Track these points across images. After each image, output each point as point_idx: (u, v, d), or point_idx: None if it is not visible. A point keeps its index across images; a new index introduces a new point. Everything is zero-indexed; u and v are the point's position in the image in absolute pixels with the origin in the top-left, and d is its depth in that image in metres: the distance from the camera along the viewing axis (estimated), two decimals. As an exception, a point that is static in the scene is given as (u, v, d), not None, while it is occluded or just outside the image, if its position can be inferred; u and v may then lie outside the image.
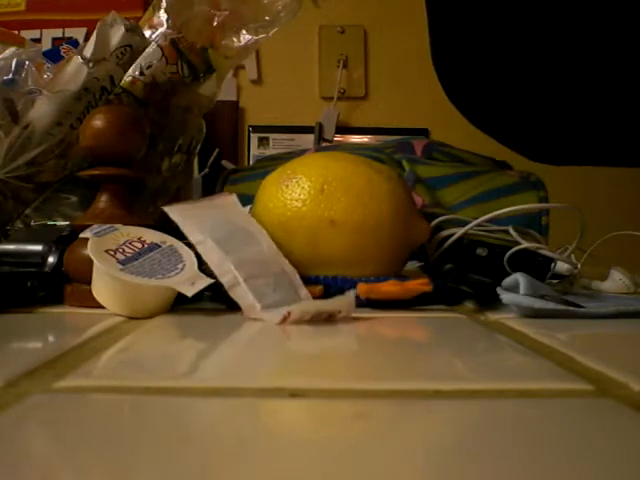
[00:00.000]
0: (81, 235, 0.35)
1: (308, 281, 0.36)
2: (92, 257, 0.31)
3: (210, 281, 0.32)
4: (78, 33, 1.17)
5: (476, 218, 0.44)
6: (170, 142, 0.53)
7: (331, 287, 0.36)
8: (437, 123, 1.24)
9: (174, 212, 0.36)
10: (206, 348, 0.26)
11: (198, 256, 0.34)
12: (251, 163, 1.23)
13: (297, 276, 0.35)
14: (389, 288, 0.34)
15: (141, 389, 0.19)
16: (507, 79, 0.44)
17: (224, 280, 0.32)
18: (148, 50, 0.48)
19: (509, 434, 0.15)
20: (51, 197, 0.49)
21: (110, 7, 0.56)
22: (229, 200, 0.40)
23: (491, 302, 0.35)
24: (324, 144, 1.16)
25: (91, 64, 0.46)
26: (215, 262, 0.33)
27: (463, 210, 0.52)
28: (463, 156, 0.61)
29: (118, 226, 0.35)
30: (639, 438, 0.15)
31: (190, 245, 0.35)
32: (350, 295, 0.31)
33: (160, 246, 0.34)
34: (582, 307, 0.33)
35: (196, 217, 0.36)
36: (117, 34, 0.48)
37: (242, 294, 0.32)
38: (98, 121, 0.37)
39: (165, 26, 0.50)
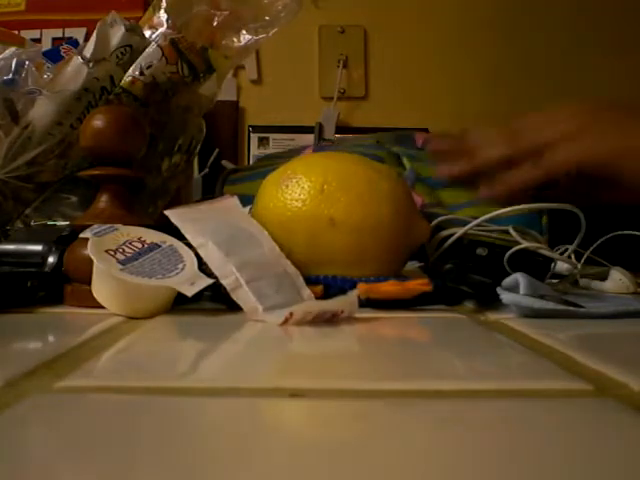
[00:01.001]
0: (81, 235, 0.35)
1: (308, 281, 0.36)
2: (92, 257, 0.31)
3: (210, 281, 0.32)
4: (78, 33, 1.17)
5: (476, 218, 0.44)
6: (170, 142, 0.53)
7: (331, 287, 0.36)
8: (437, 123, 1.24)
9: (175, 216, 0.36)
10: (206, 348, 0.26)
11: (198, 256, 0.34)
12: (251, 163, 1.23)
13: (300, 277, 0.35)
14: (389, 288, 0.34)
15: (141, 389, 0.19)
16: None
17: (226, 283, 0.32)
18: (148, 50, 0.48)
19: (509, 434, 0.15)
20: (51, 197, 0.49)
21: (110, 7, 0.56)
22: (230, 203, 0.40)
23: (491, 302, 0.35)
24: (324, 144, 1.15)
25: (91, 64, 0.46)
26: (216, 265, 0.33)
27: (463, 210, 0.52)
28: None
29: (118, 226, 0.35)
30: (639, 438, 0.15)
31: (190, 245, 0.35)
32: (352, 295, 0.31)
33: (160, 246, 0.34)
34: (582, 307, 0.33)
35: (197, 220, 0.36)
36: (117, 34, 0.48)
37: (244, 296, 0.32)
38: (98, 121, 0.37)
39: (165, 26, 0.50)
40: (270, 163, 0.57)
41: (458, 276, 0.38)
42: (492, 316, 0.33)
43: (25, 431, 0.15)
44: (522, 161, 0.50)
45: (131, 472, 0.13)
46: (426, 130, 1.24)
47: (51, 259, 0.37)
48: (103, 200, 0.38)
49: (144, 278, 0.31)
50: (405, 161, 0.56)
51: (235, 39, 0.52)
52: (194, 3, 0.50)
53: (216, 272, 0.33)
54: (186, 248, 0.34)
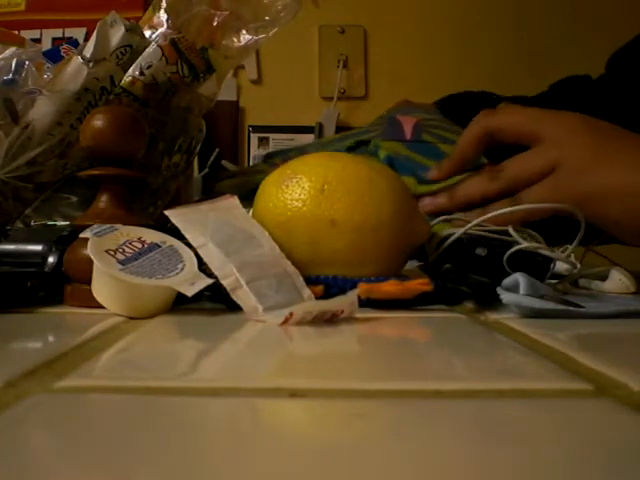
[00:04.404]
0: (81, 235, 0.35)
1: (308, 281, 0.36)
2: (92, 257, 0.31)
3: (210, 281, 0.32)
4: (78, 33, 1.17)
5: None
6: (170, 142, 0.53)
7: (332, 287, 0.36)
8: (437, 123, 1.24)
9: (175, 216, 0.36)
10: (206, 348, 0.26)
11: (198, 256, 0.34)
12: (251, 163, 1.23)
13: (300, 277, 0.35)
14: (389, 288, 0.34)
15: (141, 389, 0.19)
16: None
17: (226, 283, 0.32)
18: (148, 50, 0.48)
19: (509, 434, 0.15)
20: (51, 197, 0.49)
21: (110, 7, 0.56)
22: (231, 203, 0.40)
23: (491, 302, 0.35)
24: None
25: (91, 64, 0.46)
26: (217, 265, 0.33)
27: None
28: (456, 139, 0.59)
29: (118, 226, 0.35)
30: (639, 438, 0.15)
31: (190, 245, 0.35)
32: (352, 294, 0.31)
33: (160, 246, 0.34)
34: (582, 307, 0.33)
35: (197, 220, 0.36)
36: (117, 34, 0.48)
37: (244, 297, 0.32)
38: (98, 121, 0.37)
39: (165, 26, 0.50)
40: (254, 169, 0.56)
41: (458, 276, 0.38)
42: (492, 316, 0.33)
43: (25, 431, 0.15)
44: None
45: (131, 472, 0.13)
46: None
47: (51, 259, 0.37)
48: (103, 200, 0.38)
49: (144, 278, 0.31)
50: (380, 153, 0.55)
51: (235, 39, 0.52)
52: (194, 3, 0.50)
53: (216, 272, 0.33)
54: (186, 248, 0.34)
